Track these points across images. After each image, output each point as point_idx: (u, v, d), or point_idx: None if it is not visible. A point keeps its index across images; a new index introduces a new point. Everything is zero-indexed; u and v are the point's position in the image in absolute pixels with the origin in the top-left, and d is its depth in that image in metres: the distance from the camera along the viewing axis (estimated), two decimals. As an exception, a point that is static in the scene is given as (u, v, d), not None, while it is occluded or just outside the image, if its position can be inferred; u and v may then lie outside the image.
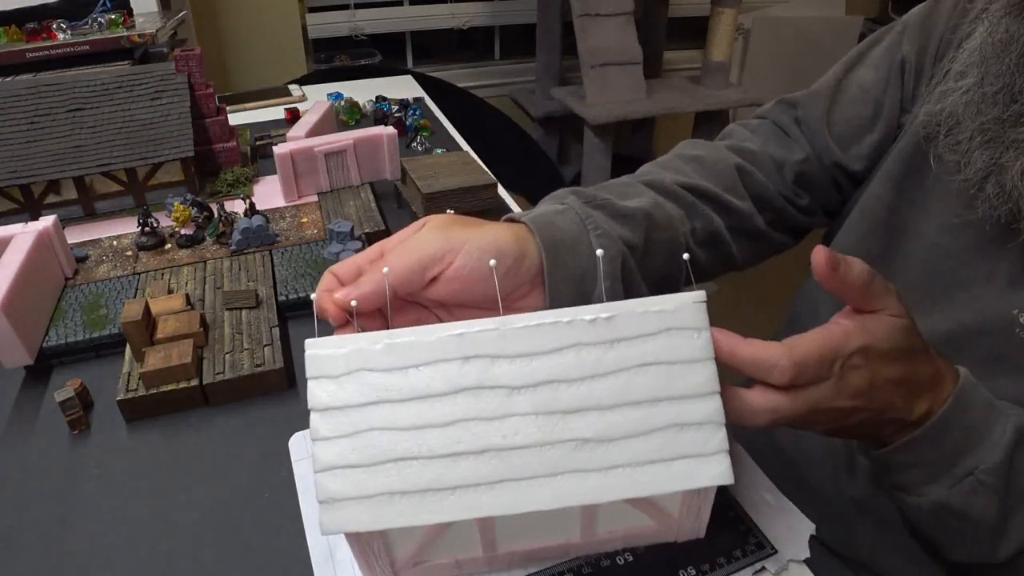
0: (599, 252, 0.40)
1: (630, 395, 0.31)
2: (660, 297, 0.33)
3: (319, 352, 0.32)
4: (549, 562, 0.39)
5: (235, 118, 1.06)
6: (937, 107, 0.49)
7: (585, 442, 0.31)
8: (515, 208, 0.82)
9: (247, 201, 0.70)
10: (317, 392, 0.31)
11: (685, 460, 0.31)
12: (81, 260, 0.67)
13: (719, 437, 0.31)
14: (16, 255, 0.56)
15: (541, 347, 0.31)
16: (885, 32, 0.60)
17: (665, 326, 0.32)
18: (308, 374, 0.31)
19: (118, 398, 0.50)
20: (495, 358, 0.31)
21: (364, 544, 0.33)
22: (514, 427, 0.31)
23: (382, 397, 0.31)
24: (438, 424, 0.31)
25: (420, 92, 1.27)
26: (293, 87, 1.25)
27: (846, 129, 0.60)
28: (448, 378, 0.31)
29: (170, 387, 0.50)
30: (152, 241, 0.68)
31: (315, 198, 0.79)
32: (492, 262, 0.36)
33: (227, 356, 0.53)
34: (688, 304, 0.32)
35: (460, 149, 0.99)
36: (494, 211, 0.75)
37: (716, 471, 0.31)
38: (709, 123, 1.97)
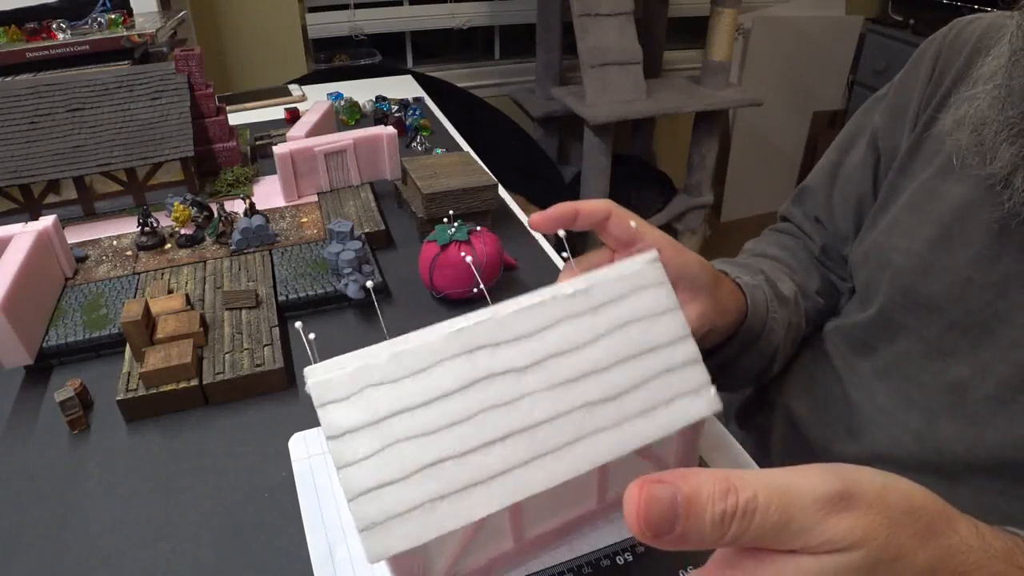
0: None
1: (621, 353, 0.34)
2: (620, 263, 0.36)
3: (321, 378, 0.30)
4: (552, 560, 0.39)
5: (235, 118, 1.06)
6: (963, 109, 0.49)
7: (595, 404, 0.32)
8: (515, 208, 0.82)
9: (247, 201, 0.70)
10: (329, 419, 0.30)
11: (680, 399, 0.34)
12: (81, 260, 0.67)
13: (700, 372, 0.35)
14: (16, 255, 0.56)
15: (536, 326, 0.33)
16: (870, 108, 0.65)
17: (633, 286, 0.35)
18: (316, 403, 0.30)
19: (118, 398, 0.50)
20: (497, 345, 0.32)
21: (406, 565, 0.32)
22: (530, 405, 0.32)
23: (399, 407, 0.30)
24: (460, 420, 0.31)
25: (420, 92, 1.27)
26: (293, 87, 1.25)
27: (842, 216, 0.66)
28: (458, 374, 0.31)
29: (170, 387, 0.50)
30: (152, 241, 0.68)
31: (315, 198, 0.79)
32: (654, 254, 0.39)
33: (227, 356, 0.53)
34: (646, 265, 0.36)
35: (460, 149, 0.99)
36: (494, 211, 0.75)
37: (707, 402, 0.35)
38: (709, 123, 1.97)
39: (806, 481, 0.25)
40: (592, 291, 0.35)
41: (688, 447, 0.39)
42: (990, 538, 0.28)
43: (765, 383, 0.70)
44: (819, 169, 0.68)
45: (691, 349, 0.35)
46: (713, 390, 0.35)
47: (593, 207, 0.45)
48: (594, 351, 0.33)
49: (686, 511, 0.24)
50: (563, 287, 0.34)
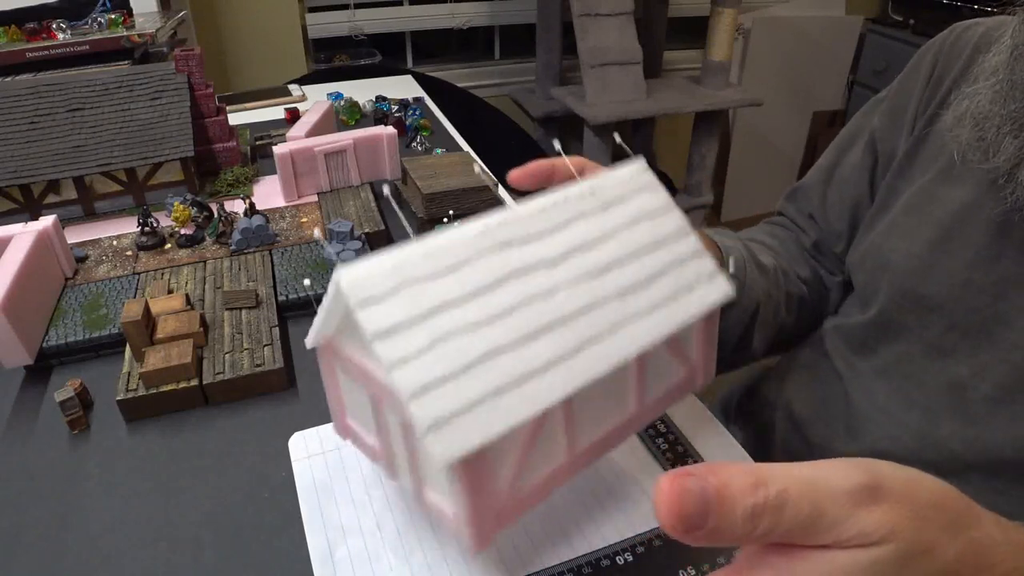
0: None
1: (636, 246, 0.35)
2: (611, 172, 0.37)
3: (356, 276, 0.29)
4: (552, 560, 0.39)
5: (235, 118, 1.06)
6: (964, 105, 0.49)
7: (624, 294, 0.33)
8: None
9: (247, 201, 0.70)
10: (371, 319, 0.28)
11: (698, 286, 0.36)
12: (81, 260, 0.67)
13: (709, 262, 0.37)
14: (16, 255, 0.56)
15: (556, 223, 0.34)
16: (869, 110, 0.65)
17: (632, 188, 0.37)
18: (352, 304, 0.28)
19: (118, 398, 0.50)
20: (524, 242, 0.32)
21: (476, 473, 0.29)
22: (567, 297, 0.32)
23: (441, 303, 0.29)
24: (504, 313, 0.30)
25: (420, 92, 1.27)
26: (293, 87, 1.25)
27: (837, 215, 0.66)
28: (493, 270, 0.31)
29: (170, 387, 0.50)
30: (152, 241, 0.68)
31: (315, 198, 0.79)
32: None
33: (227, 356, 0.53)
34: (637, 172, 0.38)
35: (460, 149, 0.99)
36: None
37: (722, 287, 0.37)
38: (709, 123, 1.97)
39: (834, 474, 0.25)
40: (597, 192, 0.36)
41: (708, 342, 0.39)
42: (1012, 532, 0.28)
43: (745, 358, 0.68)
44: (815, 169, 0.69)
45: (695, 242, 0.37)
46: (724, 276, 0.37)
47: (569, 162, 0.46)
48: (612, 245, 0.34)
49: (718, 505, 0.23)
50: (570, 190, 0.35)
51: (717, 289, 0.36)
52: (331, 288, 0.30)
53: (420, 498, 0.34)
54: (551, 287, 0.32)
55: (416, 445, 0.31)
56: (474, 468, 0.29)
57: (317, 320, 0.33)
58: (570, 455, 0.35)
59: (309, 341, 0.35)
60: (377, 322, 0.28)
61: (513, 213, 0.33)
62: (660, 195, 0.37)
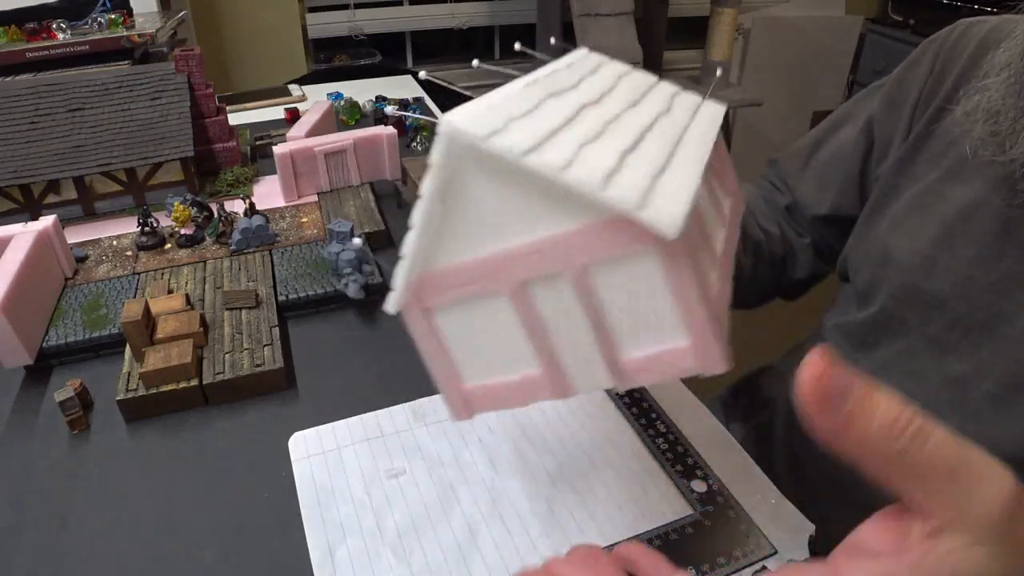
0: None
1: (638, 90, 0.38)
2: (564, 58, 0.40)
3: (463, 119, 0.28)
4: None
5: (235, 118, 1.06)
6: (974, 100, 0.49)
7: (658, 117, 0.35)
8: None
9: (247, 201, 0.70)
10: (505, 144, 0.27)
11: (701, 108, 0.39)
12: (81, 260, 0.67)
13: (694, 94, 0.41)
14: (16, 255, 0.56)
15: (571, 82, 0.36)
16: (865, 96, 0.64)
17: (595, 63, 0.40)
18: (478, 136, 0.27)
19: (118, 398, 0.50)
20: (562, 92, 0.34)
21: (691, 263, 0.27)
22: (627, 122, 0.33)
23: (552, 128, 0.29)
24: (604, 129, 0.31)
25: (420, 92, 1.27)
26: (293, 87, 1.25)
27: (815, 187, 0.66)
28: (564, 106, 0.32)
29: (170, 387, 0.50)
30: (152, 241, 0.68)
31: (315, 198, 0.79)
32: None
33: (227, 356, 0.53)
34: (588, 53, 0.42)
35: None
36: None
37: (717, 106, 0.40)
38: (709, 123, 1.97)
39: (988, 458, 0.23)
40: (574, 65, 0.39)
41: (730, 170, 0.42)
42: None
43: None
44: (802, 141, 0.69)
45: (672, 86, 0.41)
46: (708, 100, 0.40)
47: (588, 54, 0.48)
48: (621, 90, 0.37)
49: (860, 394, 0.22)
50: (546, 68, 0.37)
51: (715, 107, 0.40)
52: (439, 147, 0.28)
53: (623, 370, 0.30)
54: (614, 114, 0.33)
55: (602, 301, 0.29)
56: (687, 249, 0.27)
57: (404, 268, 0.31)
58: (716, 257, 0.34)
59: (394, 301, 0.32)
60: (515, 146, 0.27)
61: (527, 79, 0.35)
62: (618, 63, 0.41)
